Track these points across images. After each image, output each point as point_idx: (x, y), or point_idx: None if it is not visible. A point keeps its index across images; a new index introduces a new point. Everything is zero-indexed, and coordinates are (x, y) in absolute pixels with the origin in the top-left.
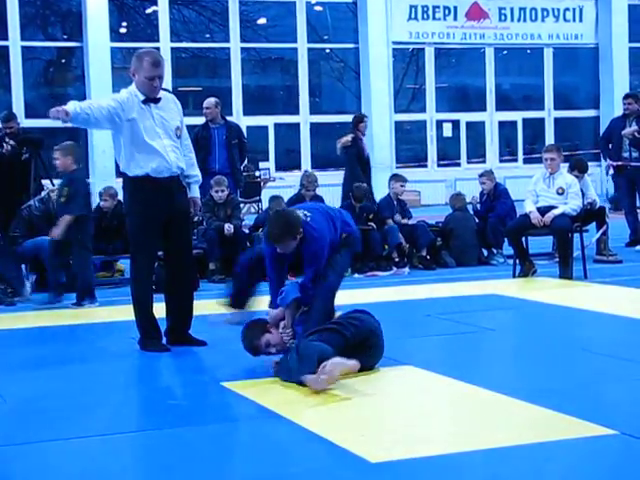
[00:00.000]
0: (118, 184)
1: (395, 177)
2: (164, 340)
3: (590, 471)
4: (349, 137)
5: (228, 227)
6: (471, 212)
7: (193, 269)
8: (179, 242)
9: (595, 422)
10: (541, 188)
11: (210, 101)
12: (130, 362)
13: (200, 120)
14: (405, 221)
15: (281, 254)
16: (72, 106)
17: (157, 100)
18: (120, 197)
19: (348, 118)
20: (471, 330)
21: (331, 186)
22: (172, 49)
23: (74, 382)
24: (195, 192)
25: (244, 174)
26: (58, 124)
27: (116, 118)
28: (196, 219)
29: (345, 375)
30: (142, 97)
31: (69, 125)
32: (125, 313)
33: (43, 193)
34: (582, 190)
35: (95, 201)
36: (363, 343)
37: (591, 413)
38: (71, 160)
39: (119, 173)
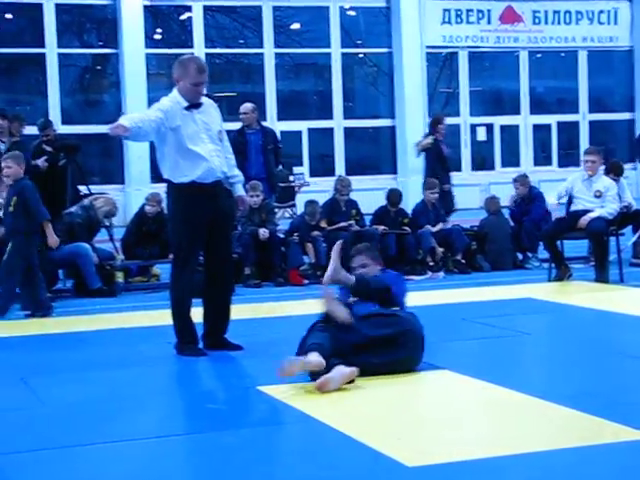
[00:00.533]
0: (154, 189)
1: (426, 184)
2: (201, 344)
3: (628, 476)
4: (429, 139)
5: (263, 232)
6: (506, 215)
7: (232, 273)
8: (220, 245)
9: (633, 426)
10: (579, 190)
11: (247, 106)
12: (168, 367)
13: (234, 125)
14: (440, 226)
15: None
16: (127, 122)
17: (199, 105)
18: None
19: (381, 123)
20: (507, 334)
21: (365, 191)
22: (206, 55)
23: (113, 386)
24: (241, 190)
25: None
26: (93, 130)
27: (162, 128)
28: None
29: (381, 378)
30: (184, 103)
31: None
32: (160, 318)
33: (86, 201)
34: (618, 194)
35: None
36: (390, 341)
37: (629, 417)
38: (21, 168)
39: (161, 179)
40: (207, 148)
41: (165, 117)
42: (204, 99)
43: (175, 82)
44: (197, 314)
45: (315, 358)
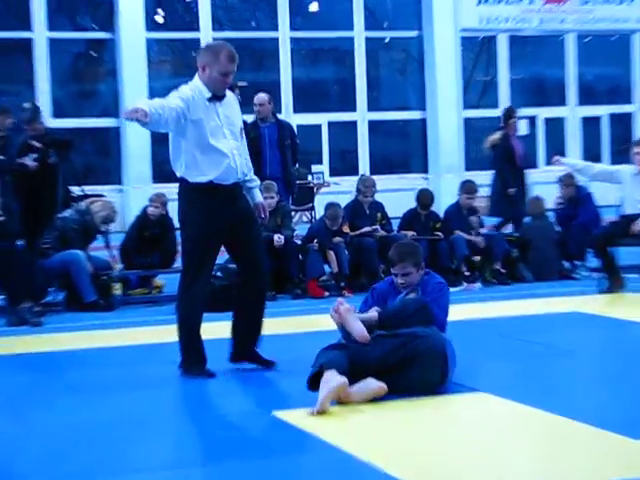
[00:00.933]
0: (156, 190)
1: (463, 186)
2: (228, 359)
3: None
4: (498, 135)
5: (278, 238)
6: (551, 219)
7: (264, 280)
8: (248, 251)
9: None
10: (628, 187)
11: (263, 97)
12: (173, 389)
13: (246, 118)
14: (477, 238)
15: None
16: (146, 106)
17: (223, 97)
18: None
19: (410, 115)
20: (551, 352)
21: (392, 192)
22: (214, 39)
23: (114, 411)
24: (260, 197)
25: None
26: (87, 124)
27: (182, 119)
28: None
29: (409, 400)
30: (208, 94)
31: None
32: (163, 335)
33: (82, 204)
34: None
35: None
36: (399, 365)
37: None
38: None
39: (170, 178)
40: (229, 145)
41: (186, 107)
42: (227, 92)
43: (199, 69)
44: (219, 328)
45: (334, 377)
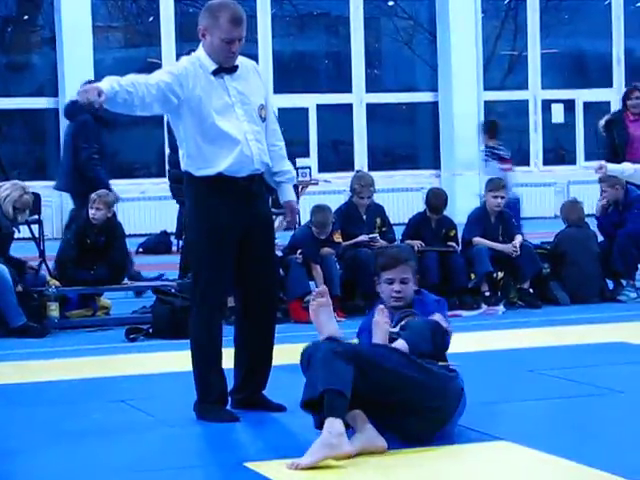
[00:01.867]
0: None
1: (490, 183)
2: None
3: None
4: (609, 116)
5: None
6: (593, 227)
7: (274, 307)
8: (258, 268)
9: None
10: None
11: None
12: (125, 437)
13: None
14: (508, 248)
15: None
16: (107, 84)
17: (233, 69)
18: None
19: (419, 97)
20: (590, 392)
21: (395, 192)
22: (176, 2)
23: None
24: (290, 193)
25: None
26: (17, 104)
27: (172, 97)
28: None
29: (412, 452)
30: (212, 66)
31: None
32: (110, 366)
33: None
34: None
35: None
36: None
37: None
38: None
39: (126, 173)
40: (242, 128)
41: (177, 82)
42: (243, 60)
43: (200, 36)
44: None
45: (341, 439)
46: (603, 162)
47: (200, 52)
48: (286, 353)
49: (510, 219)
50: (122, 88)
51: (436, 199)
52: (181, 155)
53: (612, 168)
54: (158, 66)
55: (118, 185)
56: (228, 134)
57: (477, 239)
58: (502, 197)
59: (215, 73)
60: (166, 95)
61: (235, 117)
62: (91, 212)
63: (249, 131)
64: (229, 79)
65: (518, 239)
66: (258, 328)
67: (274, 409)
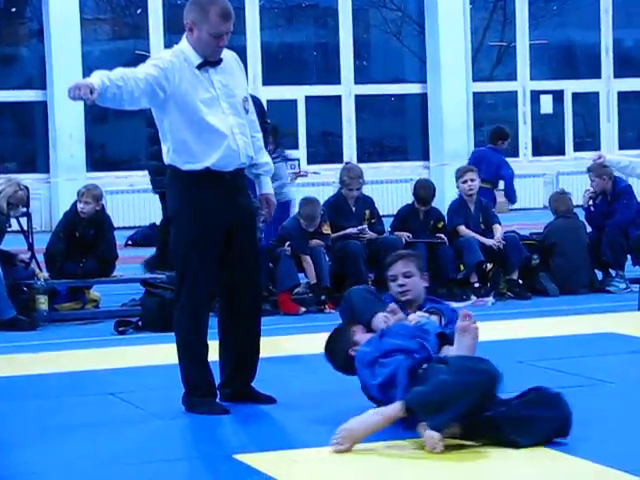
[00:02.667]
0: (93, 180)
1: (457, 172)
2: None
3: None
4: None
5: None
6: (581, 218)
7: (260, 299)
8: (243, 260)
9: None
10: None
11: None
12: (115, 429)
13: None
14: (490, 241)
15: None
16: (97, 78)
17: (217, 62)
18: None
19: (408, 89)
20: (580, 383)
21: (384, 183)
22: None
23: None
24: (268, 186)
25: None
26: (5, 97)
27: (159, 91)
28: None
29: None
30: (197, 60)
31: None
32: (99, 359)
33: None
34: None
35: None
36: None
37: None
38: None
39: (112, 166)
40: (228, 122)
41: (164, 76)
42: (226, 53)
43: (187, 30)
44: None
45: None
46: (600, 153)
47: (184, 45)
48: (275, 346)
49: (490, 208)
50: (112, 83)
51: (424, 190)
52: (165, 149)
53: (610, 159)
54: (146, 58)
55: (106, 178)
56: (215, 128)
57: (462, 229)
58: (472, 179)
59: (200, 67)
60: (154, 89)
61: (221, 111)
62: (79, 206)
63: (235, 125)
64: (213, 72)
65: (498, 230)
66: (245, 321)
67: (264, 401)
